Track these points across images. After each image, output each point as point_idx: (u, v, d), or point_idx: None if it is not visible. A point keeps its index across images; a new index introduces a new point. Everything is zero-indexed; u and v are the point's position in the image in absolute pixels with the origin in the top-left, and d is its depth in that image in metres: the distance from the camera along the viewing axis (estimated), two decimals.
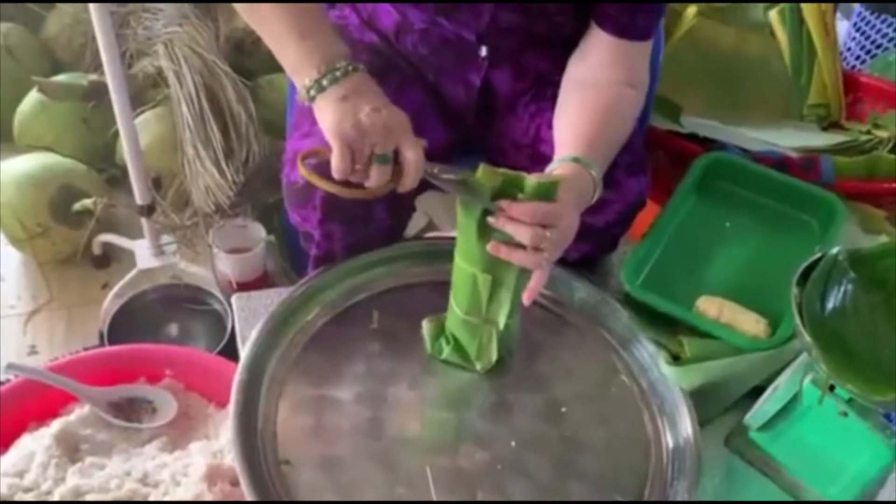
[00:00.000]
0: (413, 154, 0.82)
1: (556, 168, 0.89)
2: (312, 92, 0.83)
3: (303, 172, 0.84)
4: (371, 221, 1.00)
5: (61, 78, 1.66)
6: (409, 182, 0.83)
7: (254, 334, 0.94)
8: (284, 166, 1.00)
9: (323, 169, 0.83)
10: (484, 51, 1.01)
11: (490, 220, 0.83)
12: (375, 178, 0.82)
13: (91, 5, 1.10)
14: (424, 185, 1.08)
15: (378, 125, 0.81)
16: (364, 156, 0.81)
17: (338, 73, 0.83)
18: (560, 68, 1.01)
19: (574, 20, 0.98)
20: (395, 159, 0.83)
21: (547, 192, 0.83)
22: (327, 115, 0.82)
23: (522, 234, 0.82)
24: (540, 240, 0.82)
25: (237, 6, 0.87)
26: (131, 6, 1.64)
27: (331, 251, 1.03)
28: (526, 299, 0.87)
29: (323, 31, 0.86)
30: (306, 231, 1.03)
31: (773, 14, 1.51)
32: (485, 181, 0.81)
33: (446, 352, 0.95)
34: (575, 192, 0.87)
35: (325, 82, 0.83)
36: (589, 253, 1.05)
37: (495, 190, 0.82)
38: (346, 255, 1.03)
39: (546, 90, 1.04)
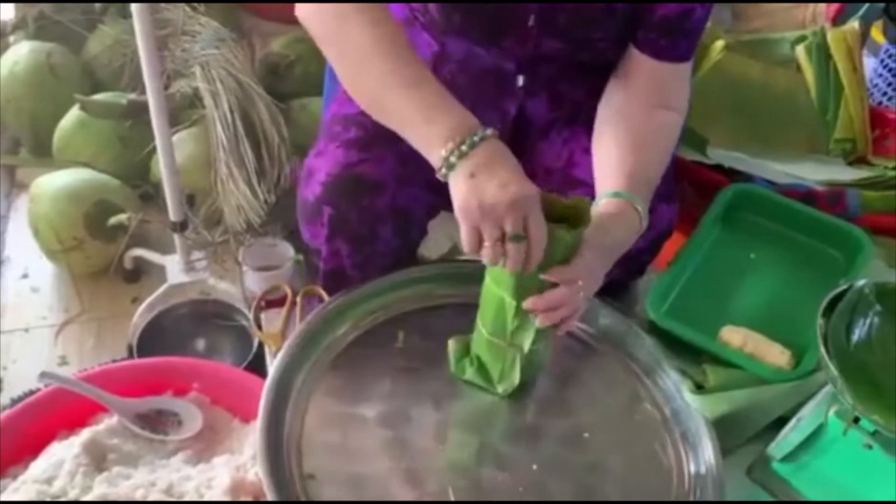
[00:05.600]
0: (537, 232, 0.80)
1: (601, 204, 0.90)
2: (444, 170, 0.82)
3: None
4: (377, 240, 1.01)
5: (101, 96, 1.70)
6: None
7: (283, 350, 0.95)
8: (299, 183, 1.02)
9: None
10: (521, 80, 1.02)
11: (526, 306, 0.86)
12: (512, 257, 0.81)
13: (136, 25, 1.13)
14: (436, 209, 1.09)
15: (503, 203, 0.78)
16: (492, 235, 0.80)
17: (464, 148, 0.81)
18: (595, 95, 1.01)
19: (616, 47, 0.98)
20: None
21: (574, 244, 0.85)
22: (456, 193, 0.81)
23: (559, 315, 0.87)
24: (575, 306, 0.87)
25: (360, 102, 0.90)
26: (170, 29, 1.68)
27: (339, 266, 1.05)
28: (560, 331, 0.90)
29: (447, 109, 0.85)
30: (315, 247, 1.05)
31: (800, 49, 1.51)
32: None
33: (469, 372, 0.96)
34: (605, 240, 0.88)
35: (452, 159, 0.81)
36: (617, 278, 1.05)
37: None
38: (354, 271, 1.05)
39: (579, 114, 1.04)
